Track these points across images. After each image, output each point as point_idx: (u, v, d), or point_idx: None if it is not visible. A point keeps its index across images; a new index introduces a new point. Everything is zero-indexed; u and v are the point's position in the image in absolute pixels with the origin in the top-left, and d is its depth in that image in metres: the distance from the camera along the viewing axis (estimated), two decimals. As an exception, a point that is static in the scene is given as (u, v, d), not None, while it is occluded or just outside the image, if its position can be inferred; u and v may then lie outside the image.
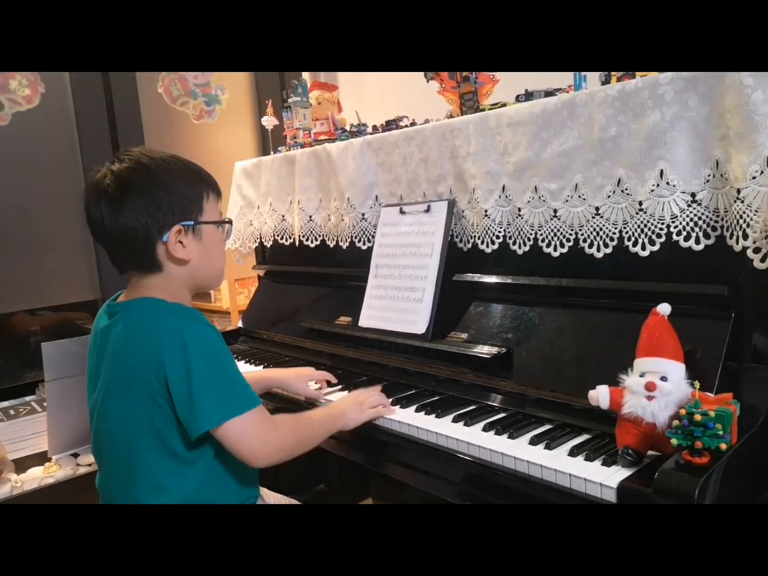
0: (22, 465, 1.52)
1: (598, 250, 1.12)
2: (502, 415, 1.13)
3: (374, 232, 1.57)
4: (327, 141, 1.78)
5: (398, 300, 1.42)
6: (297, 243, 1.83)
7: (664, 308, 0.92)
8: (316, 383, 1.41)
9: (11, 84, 2.23)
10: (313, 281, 1.81)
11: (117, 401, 0.99)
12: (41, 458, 1.55)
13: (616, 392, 0.90)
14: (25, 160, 2.27)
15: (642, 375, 0.88)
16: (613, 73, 1.16)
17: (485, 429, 1.07)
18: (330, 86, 1.98)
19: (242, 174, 2.04)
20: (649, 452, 0.89)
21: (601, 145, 1.09)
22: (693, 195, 0.99)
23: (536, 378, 1.14)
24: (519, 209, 1.24)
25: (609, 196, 1.09)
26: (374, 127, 1.75)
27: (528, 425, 1.07)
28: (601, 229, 1.11)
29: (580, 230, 1.14)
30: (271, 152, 1.98)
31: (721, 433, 0.77)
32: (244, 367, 1.65)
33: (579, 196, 1.14)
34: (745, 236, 0.91)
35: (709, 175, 0.97)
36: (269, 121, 2.05)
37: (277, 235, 1.92)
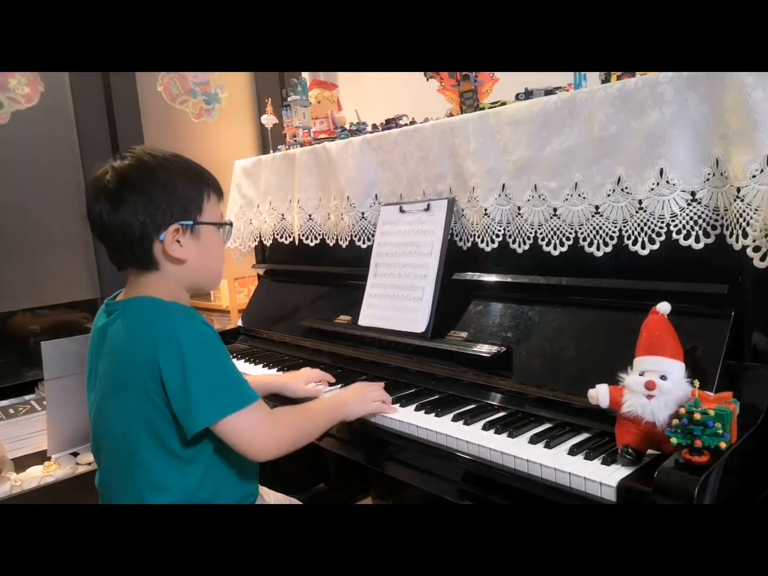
0: (21, 464, 1.52)
1: (598, 248, 1.12)
2: (501, 413, 1.13)
3: (374, 231, 1.57)
4: (327, 140, 1.78)
5: (398, 299, 1.42)
6: (297, 242, 1.83)
7: (664, 307, 0.92)
8: (315, 383, 1.41)
9: (10, 82, 2.23)
10: (313, 280, 1.81)
11: (115, 400, 0.99)
12: (41, 457, 1.55)
13: (615, 391, 0.90)
14: (24, 159, 2.26)
15: (642, 374, 0.88)
16: (612, 72, 1.15)
17: (485, 428, 1.07)
18: (329, 85, 1.97)
19: (242, 173, 2.04)
20: (649, 451, 0.89)
21: (601, 144, 1.09)
22: (693, 194, 0.99)
23: (536, 377, 1.14)
24: (519, 208, 1.24)
25: (609, 195, 1.09)
26: (374, 126, 1.75)
27: (528, 424, 1.07)
28: (600, 227, 1.11)
29: (580, 229, 1.14)
30: (271, 151, 1.98)
31: (720, 431, 0.77)
32: (243, 366, 1.65)
33: (579, 195, 1.13)
34: (745, 235, 0.91)
35: (709, 174, 0.97)
36: (269, 120, 2.05)
37: (277, 234, 1.91)
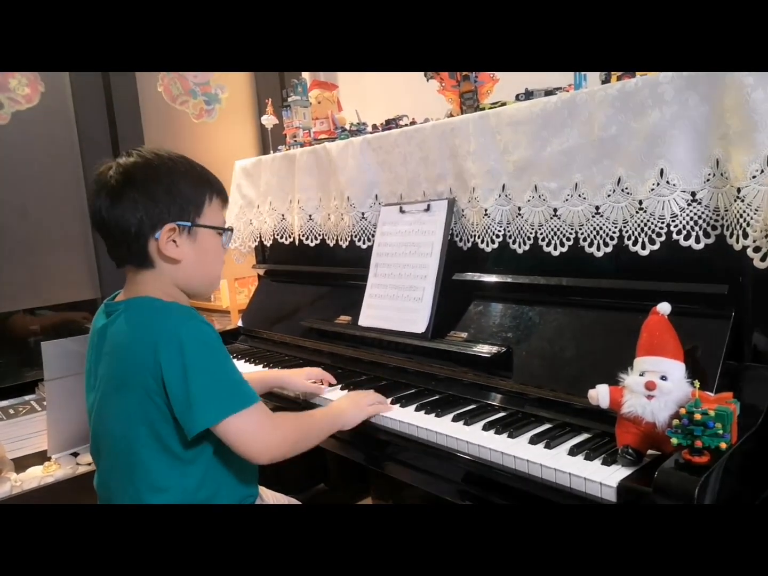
0: (21, 464, 1.52)
1: (598, 249, 1.12)
2: (501, 414, 1.13)
3: (374, 231, 1.57)
4: (327, 140, 1.78)
5: (398, 299, 1.42)
6: (297, 242, 1.83)
7: (664, 307, 0.92)
8: (315, 382, 1.41)
9: (11, 83, 2.23)
10: (313, 280, 1.81)
11: (114, 400, 0.99)
12: (41, 457, 1.55)
13: (615, 391, 0.90)
14: (24, 159, 2.26)
15: (642, 374, 0.88)
16: (613, 72, 1.15)
17: (485, 428, 1.07)
18: (330, 85, 1.97)
19: (242, 173, 2.04)
20: (649, 451, 0.89)
21: (601, 144, 1.09)
22: (693, 194, 0.99)
23: (536, 377, 1.14)
24: (519, 208, 1.24)
25: (609, 195, 1.09)
26: (374, 126, 1.75)
27: (528, 424, 1.07)
28: (601, 228, 1.11)
29: (580, 229, 1.14)
30: (271, 151, 1.98)
31: (721, 432, 0.77)
32: (243, 367, 1.65)
33: (579, 195, 1.13)
34: (745, 235, 0.91)
35: (709, 174, 0.97)
36: (269, 120, 2.05)
37: (277, 235, 1.91)
